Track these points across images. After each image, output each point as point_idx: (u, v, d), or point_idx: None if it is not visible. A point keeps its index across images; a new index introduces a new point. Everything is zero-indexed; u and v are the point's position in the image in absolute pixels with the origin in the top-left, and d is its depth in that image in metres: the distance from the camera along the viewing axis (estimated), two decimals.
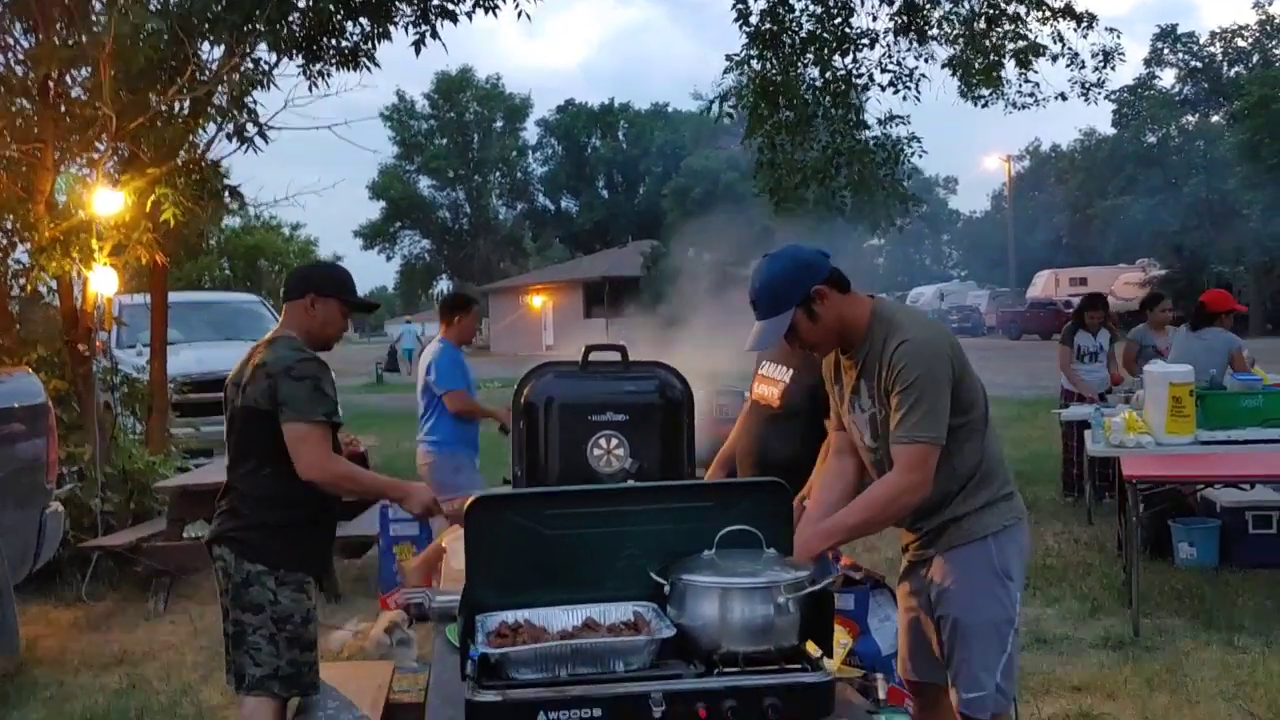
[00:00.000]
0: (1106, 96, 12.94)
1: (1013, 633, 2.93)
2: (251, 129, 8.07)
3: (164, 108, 7.63)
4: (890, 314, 2.90)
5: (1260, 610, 5.73)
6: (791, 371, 3.96)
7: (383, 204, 60.65)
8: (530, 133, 64.36)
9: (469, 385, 6.18)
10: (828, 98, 11.18)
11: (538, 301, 45.24)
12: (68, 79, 7.78)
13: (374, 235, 61.20)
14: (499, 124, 62.23)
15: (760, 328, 2.87)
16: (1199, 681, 4.72)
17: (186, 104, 7.82)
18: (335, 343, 3.65)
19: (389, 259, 63.43)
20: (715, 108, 11.54)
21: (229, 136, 8.06)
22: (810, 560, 2.72)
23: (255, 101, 8.12)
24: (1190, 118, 43.32)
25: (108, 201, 7.22)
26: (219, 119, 8.09)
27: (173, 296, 10.04)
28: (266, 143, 8.16)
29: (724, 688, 2.06)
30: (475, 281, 56.73)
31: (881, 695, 2.43)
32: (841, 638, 3.79)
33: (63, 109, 7.63)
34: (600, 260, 47.86)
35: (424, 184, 62.22)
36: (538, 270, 54.61)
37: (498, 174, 63.21)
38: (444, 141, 60.91)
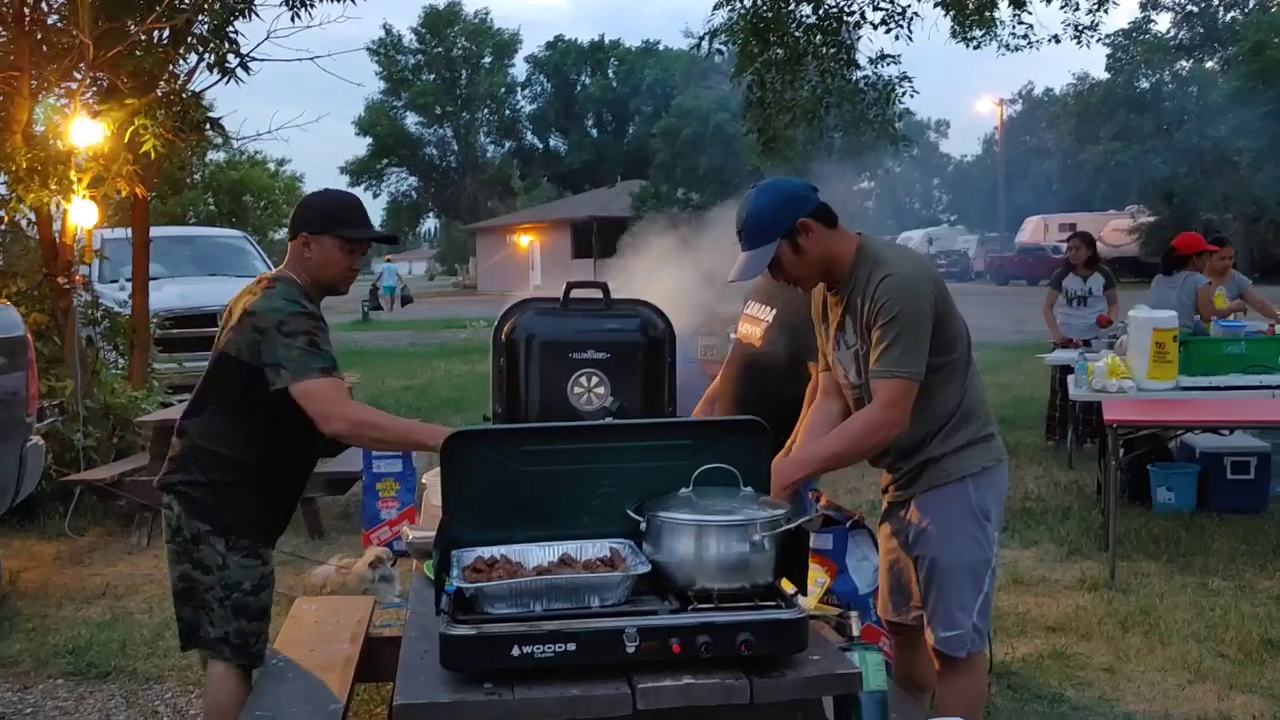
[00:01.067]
0: (1100, 40, 12.82)
1: (989, 573, 2.96)
2: (233, 60, 7.92)
3: (143, 36, 7.48)
4: (876, 250, 2.89)
5: (1234, 554, 5.80)
6: (774, 311, 3.95)
7: (369, 140, 60.01)
8: (519, 69, 63.67)
9: None
10: (819, 35, 11.06)
11: (525, 241, 45.01)
12: (44, 5, 7.61)
13: (360, 172, 60.58)
14: (487, 60, 61.41)
15: (745, 258, 2.88)
16: (1172, 623, 4.78)
17: (166, 33, 7.66)
18: (344, 284, 3.21)
19: (375, 196, 62.88)
20: (705, 44, 11.41)
21: (210, 67, 7.92)
22: (787, 491, 2.75)
23: (236, 31, 7.98)
24: (1184, 63, 42.98)
25: (86, 132, 7.10)
26: (199, 49, 7.94)
27: (156, 231, 9.94)
28: (249, 74, 8.02)
29: (697, 624, 2.08)
30: (462, 220, 56.40)
31: (855, 633, 2.44)
32: (820, 576, 3.82)
33: (39, 36, 7.48)
34: (589, 200, 47.54)
35: (411, 120, 61.52)
36: (525, 209, 54.26)
37: (486, 111, 62.52)
38: (431, 77, 60.15)
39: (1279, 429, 6.60)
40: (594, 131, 64.15)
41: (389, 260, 43.10)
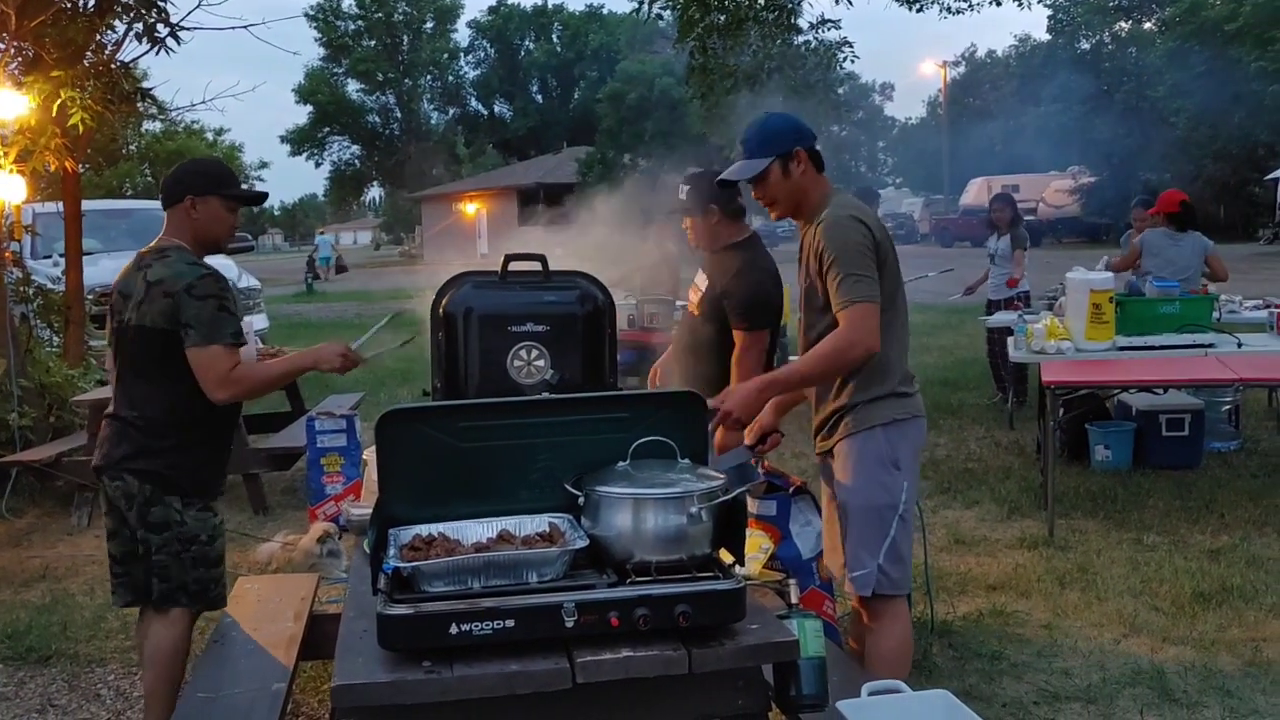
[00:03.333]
0: (1041, 1, 12.93)
1: (897, 519, 3.07)
2: (162, 29, 7.72)
3: (67, 5, 7.26)
4: (834, 199, 3.10)
5: (1169, 510, 5.93)
6: (708, 280, 3.98)
7: (310, 108, 59.00)
8: (461, 35, 62.85)
9: None
10: (760, 0, 11.01)
11: (471, 209, 44.60)
12: None
13: (302, 141, 59.63)
14: (429, 25, 60.54)
15: (742, 163, 3.14)
16: (1108, 579, 4.88)
17: (91, 1, 7.45)
18: (225, 242, 3.48)
19: (318, 165, 62.00)
20: (645, 8, 11.31)
21: (138, 37, 7.70)
22: (753, 404, 3.00)
23: None
24: (1123, 24, 43.41)
25: (11, 104, 6.90)
26: (126, 17, 7.73)
27: (90, 205, 9.71)
28: (179, 44, 7.83)
29: (636, 596, 2.08)
30: (407, 189, 55.72)
31: (794, 600, 2.47)
32: (763, 543, 3.86)
33: None
34: (534, 166, 47.17)
35: (352, 88, 60.60)
36: (471, 177, 53.73)
37: (429, 77, 61.71)
38: (372, 43, 59.19)
39: (1212, 387, 6.75)
40: (539, 97, 63.58)
41: (323, 233, 43.55)
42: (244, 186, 3.60)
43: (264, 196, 3.90)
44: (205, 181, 3.36)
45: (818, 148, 3.15)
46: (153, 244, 3.37)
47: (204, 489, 3.39)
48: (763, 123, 3.16)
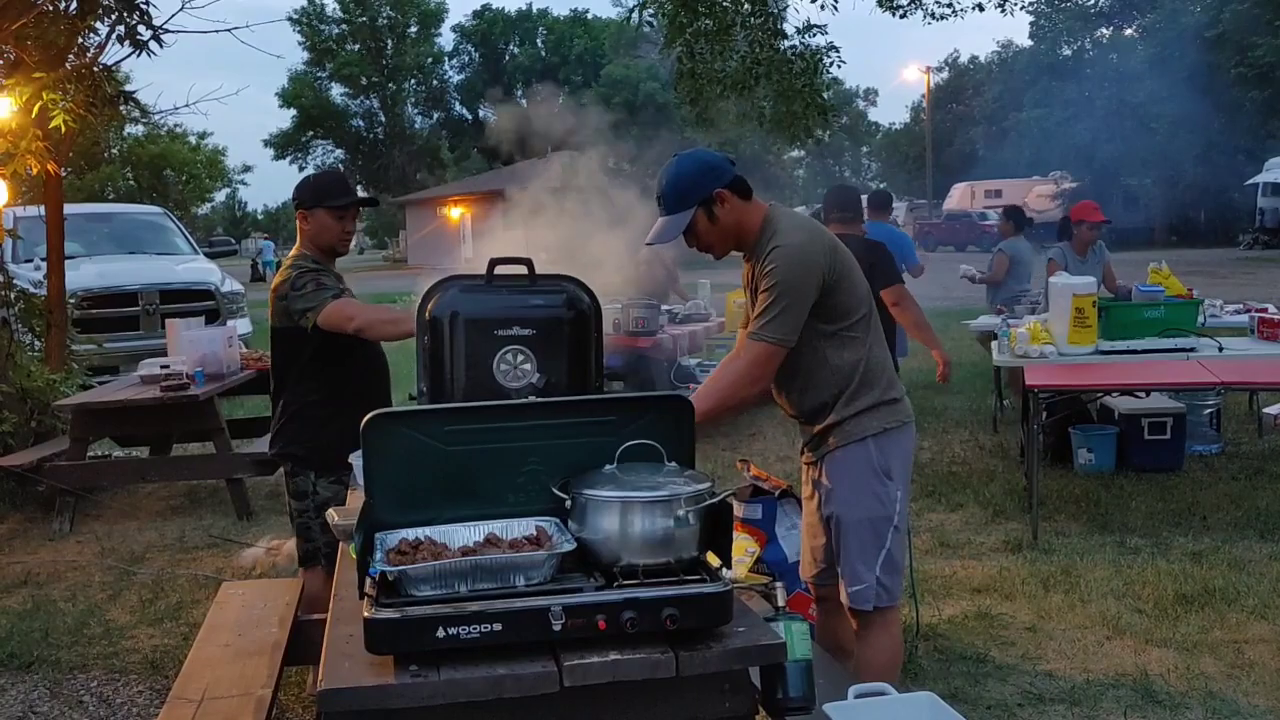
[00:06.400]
0: (1023, 7, 13.03)
1: (891, 530, 3.05)
2: (145, 32, 7.66)
3: (49, 7, 7.21)
4: (777, 220, 3.00)
5: (1151, 512, 5.97)
6: None
7: (293, 112, 58.80)
8: (445, 39, 62.74)
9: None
10: (746, 5, 11.05)
11: (456, 213, 44.50)
12: None
13: (285, 145, 59.38)
14: (413, 29, 60.39)
15: (662, 223, 3.00)
16: (1091, 581, 4.91)
17: (73, 4, 7.40)
18: (341, 247, 3.84)
19: (301, 169, 61.63)
20: (635, 16, 11.33)
21: (120, 40, 7.65)
22: None
23: (148, 2, 7.72)
24: (1105, 30, 43.69)
25: None
26: (108, 20, 7.67)
27: (71, 208, 9.63)
28: (161, 46, 7.77)
29: (623, 600, 2.07)
30: (391, 193, 55.56)
31: (781, 603, 2.47)
32: (749, 546, 3.87)
33: None
34: (519, 171, 47.12)
35: (336, 92, 60.38)
36: (455, 181, 53.60)
37: (413, 82, 61.57)
38: (356, 47, 59.01)
39: (1194, 390, 6.80)
40: (523, 102, 63.48)
41: (266, 238, 44.19)
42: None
43: (372, 201, 4.29)
44: (312, 195, 3.79)
45: (738, 174, 2.99)
46: (291, 252, 3.91)
47: (337, 464, 3.69)
48: (674, 173, 2.98)
